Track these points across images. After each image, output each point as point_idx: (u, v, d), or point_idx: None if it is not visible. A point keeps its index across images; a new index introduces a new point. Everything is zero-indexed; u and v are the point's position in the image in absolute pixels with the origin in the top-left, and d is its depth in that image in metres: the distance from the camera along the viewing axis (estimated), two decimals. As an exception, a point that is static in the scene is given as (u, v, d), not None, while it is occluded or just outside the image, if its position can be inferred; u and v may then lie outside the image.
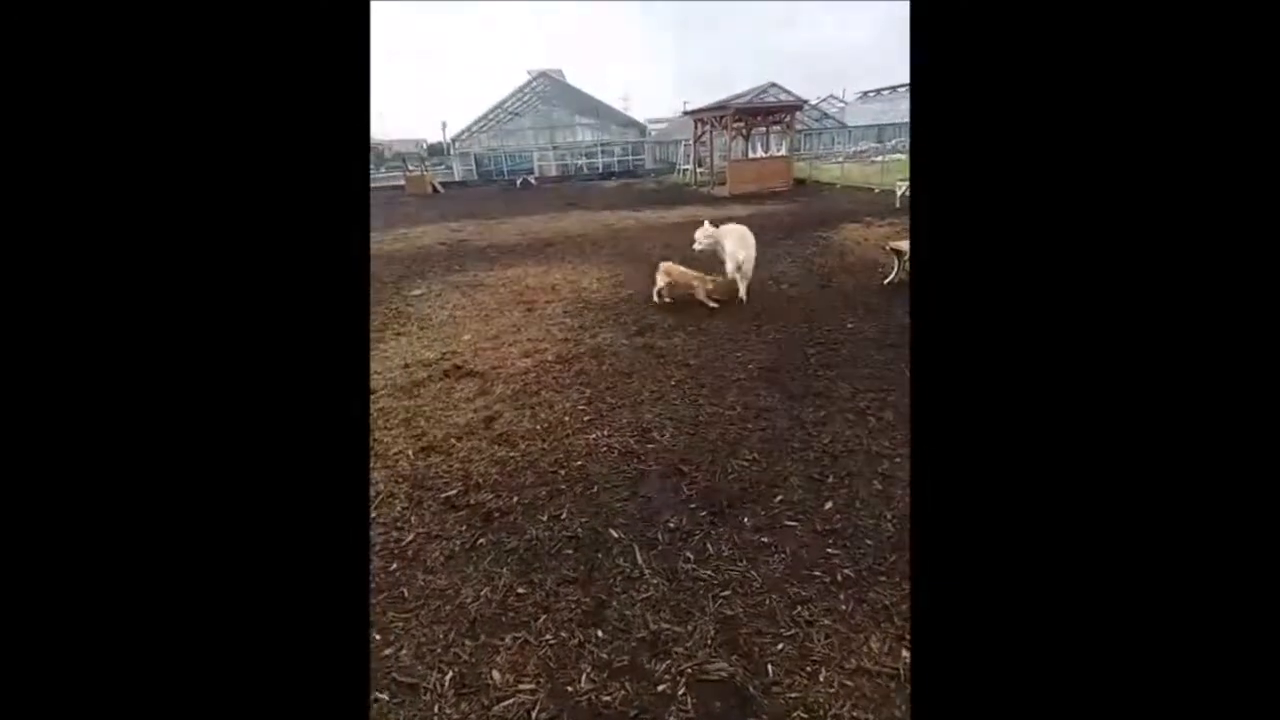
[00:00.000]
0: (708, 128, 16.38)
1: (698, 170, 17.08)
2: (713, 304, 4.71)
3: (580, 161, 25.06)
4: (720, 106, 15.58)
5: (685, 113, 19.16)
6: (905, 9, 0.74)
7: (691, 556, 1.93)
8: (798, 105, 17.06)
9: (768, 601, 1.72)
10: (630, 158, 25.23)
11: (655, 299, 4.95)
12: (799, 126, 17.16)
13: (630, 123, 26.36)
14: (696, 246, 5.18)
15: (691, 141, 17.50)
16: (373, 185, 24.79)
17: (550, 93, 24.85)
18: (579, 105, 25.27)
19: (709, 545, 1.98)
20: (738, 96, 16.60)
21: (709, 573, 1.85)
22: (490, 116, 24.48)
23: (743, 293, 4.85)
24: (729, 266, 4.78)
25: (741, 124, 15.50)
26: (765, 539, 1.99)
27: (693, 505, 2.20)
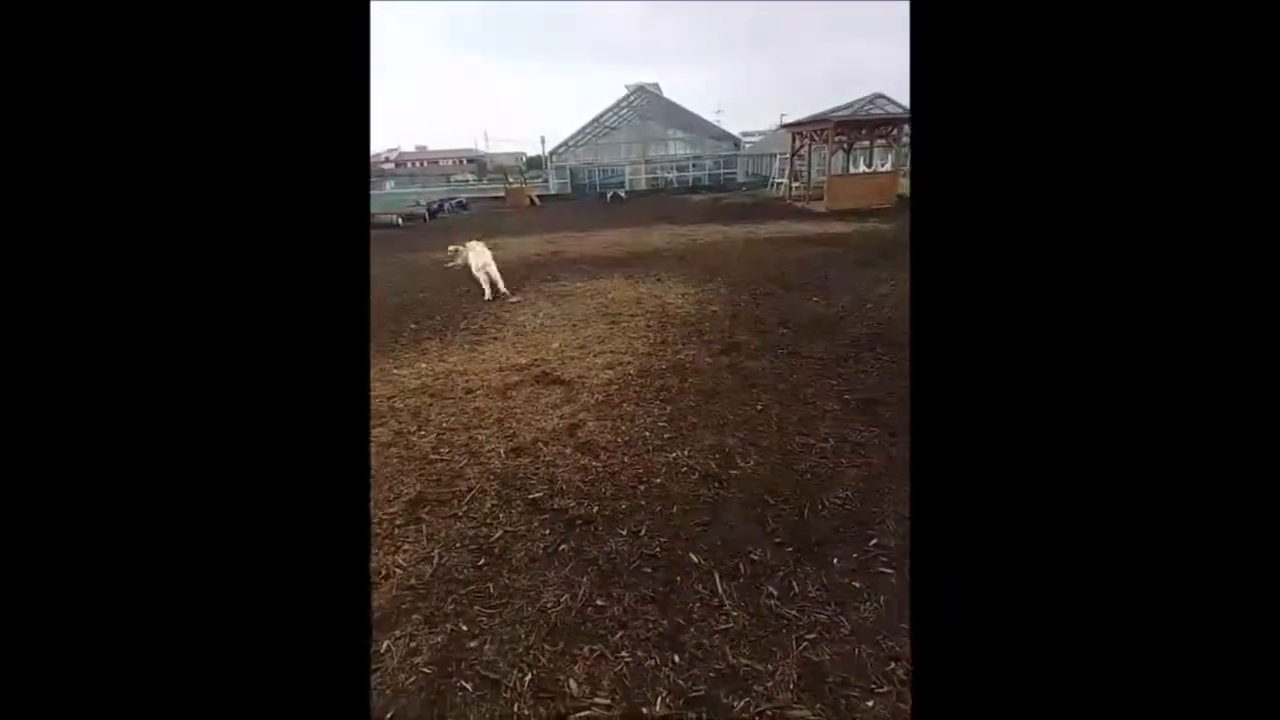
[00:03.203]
0: (806, 141, 15.98)
1: (792, 184, 16.70)
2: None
3: (671, 175, 25.26)
4: (820, 119, 15.10)
5: (783, 126, 18.78)
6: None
7: (775, 593, 1.86)
8: (906, 118, 16.20)
9: (858, 651, 1.62)
10: (721, 171, 25.10)
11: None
12: (905, 140, 16.22)
13: (724, 135, 26.27)
14: (448, 264, 6.96)
15: (787, 155, 17.13)
16: (475, 196, 26.33)
17: (646, 107, 25.31)
18: (673, 119, 25.53)
19: (794, 583, 1.89)
20: (841, 108, 16.03)
21: (794, 612, 1.77)
22: (587, 130, 25.34)
23: (502, 287, 6.31)
24: (475, 271, 6.35)
25: (843, 137, 14.97)
26: (856, 583, 1.88)
27: (778, 539, 2.12)
